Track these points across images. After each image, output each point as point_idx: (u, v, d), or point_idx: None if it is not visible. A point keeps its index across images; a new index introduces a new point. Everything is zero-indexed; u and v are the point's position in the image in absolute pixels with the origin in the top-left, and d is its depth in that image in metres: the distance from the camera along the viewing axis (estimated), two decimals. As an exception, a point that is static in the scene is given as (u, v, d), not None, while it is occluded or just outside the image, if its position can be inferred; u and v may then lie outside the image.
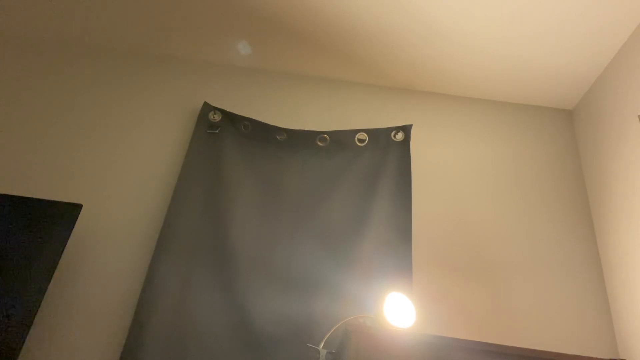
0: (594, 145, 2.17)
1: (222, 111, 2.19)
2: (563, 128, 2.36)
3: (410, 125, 2.17)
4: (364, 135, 2.16)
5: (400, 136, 2.16)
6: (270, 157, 2.12)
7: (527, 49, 2.15)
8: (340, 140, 2.15)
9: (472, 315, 1.85)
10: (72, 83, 2.30)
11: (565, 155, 2.27)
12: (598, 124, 2.16)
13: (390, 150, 2.12)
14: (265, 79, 2.41)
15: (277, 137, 2.15)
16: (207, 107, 2.19)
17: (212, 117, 2.18)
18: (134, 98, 2.29)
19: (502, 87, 2.36)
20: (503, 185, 2.17)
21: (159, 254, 1.81)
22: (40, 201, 1.73)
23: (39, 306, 1.56)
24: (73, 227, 1.70)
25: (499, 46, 2.15)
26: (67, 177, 2.03)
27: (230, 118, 2.18)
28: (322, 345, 1.52)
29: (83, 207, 1.94)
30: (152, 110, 2.26)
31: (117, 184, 2.03)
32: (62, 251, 1.64)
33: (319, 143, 2.16)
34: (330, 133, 2.16)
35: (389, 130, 2.17)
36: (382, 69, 2.35)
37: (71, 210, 1.73)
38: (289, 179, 2.06)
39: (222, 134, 2.13)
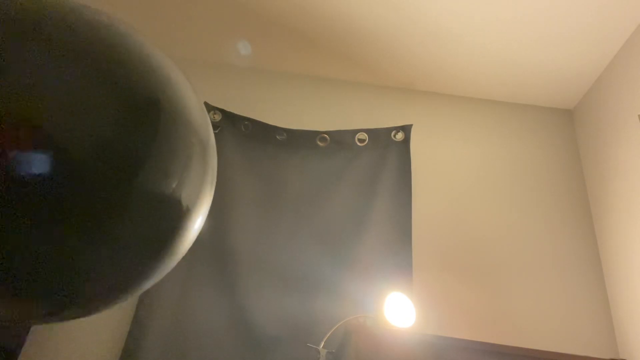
0: (594, 145, 2.17)
1: (222, 111, 2.18)
2: (563, 128, 2.36)
3: (411, 125, 2.17)
4: (364, 135, 2.16)
5: (400, 136, 2.16)
6: (270, 157, 2.12)
7: (527, 49, 2.14)
8: (340, 140, 2.15)
9: (472, 315, 1.85)
10: (72, 83, 2.30)
11: (565, 155, 2.27)
12: (598, 124, 2.16)
13: (390, 150, 2.12)
14: (265, 79, 2.41)
15: (277, 137, 2.15)
16: (207, 107, 2.19)
17: (212, 117, 2.17)
18: (134, 98, 2.29)
19: (502, 87, 2.36)
20: (503, 185, 2.17)
21: (159, 254, 1.81)
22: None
23: (39, 306, 1.56)
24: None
25: (500, 46, 2.15)
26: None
27: (230, 118, 2.18)
28: (322, 345, 1.52)
29: (83, 207, 1.94)
30: (152, 110, 2.25)
31: (117, 183, 2.03)
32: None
33: (319, 143, 2.15)
34: (330, 133, 2.16)
35: (389, 130, 2.17)
36: (382, 69, 2.35)
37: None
38: (289, 178, 2.06)
39: (222, 133, 2.13)
